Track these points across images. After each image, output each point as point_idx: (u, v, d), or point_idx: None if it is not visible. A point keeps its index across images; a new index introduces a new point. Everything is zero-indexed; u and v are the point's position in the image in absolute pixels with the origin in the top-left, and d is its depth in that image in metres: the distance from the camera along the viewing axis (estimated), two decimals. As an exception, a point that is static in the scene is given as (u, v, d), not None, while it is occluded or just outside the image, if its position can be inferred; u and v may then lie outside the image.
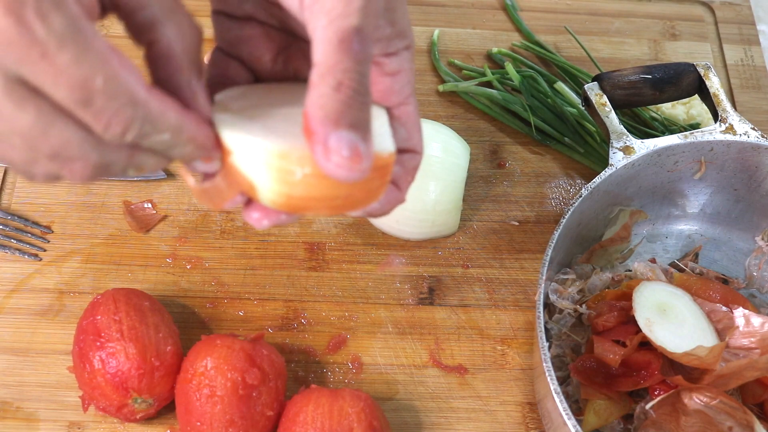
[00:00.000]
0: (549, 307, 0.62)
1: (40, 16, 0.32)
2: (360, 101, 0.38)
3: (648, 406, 0.56)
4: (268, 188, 0.39)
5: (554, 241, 0.59)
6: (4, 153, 0.37)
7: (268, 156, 0.38)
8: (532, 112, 0.77)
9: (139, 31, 0.39)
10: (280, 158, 0.38)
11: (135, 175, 0.39)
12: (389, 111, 0.45)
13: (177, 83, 0.39)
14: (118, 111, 0.35)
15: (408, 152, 0.46)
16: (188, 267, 0.69)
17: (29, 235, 0.69)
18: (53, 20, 0.32)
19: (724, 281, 0.67)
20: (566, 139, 0.77)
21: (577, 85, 0.80)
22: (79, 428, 0.61)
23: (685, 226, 0.72)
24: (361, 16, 0.38)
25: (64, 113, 0.35)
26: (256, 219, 0.42)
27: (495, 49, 0.83)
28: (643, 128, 0.78)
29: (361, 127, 0.37)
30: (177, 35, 0.39)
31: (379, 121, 0.43)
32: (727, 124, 0.66)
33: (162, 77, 0.39)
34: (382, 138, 0.42)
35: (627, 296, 0.59)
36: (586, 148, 0.76)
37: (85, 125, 0.36)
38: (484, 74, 0.81)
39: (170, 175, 0.73)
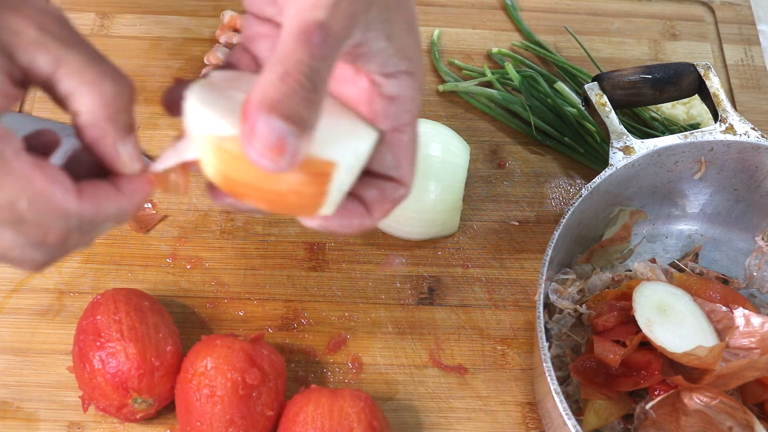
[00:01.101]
0: (549, 307, 0.62)
1: None
2: (303, 96, 0.36)
3: (648, 406, 0.56)
4: (210, 163, 0.40)
5: (554, 241, 0.59)
6: None
7: (212, 131, 0.39)
8: (532, 112, 0.77)
9: (61, 104, 0.40)
10: (221, 136, 0.38)
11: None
12: (382, 134, 0.44)
13: (102, 150, 0.40)
14: (50, 226, 0.37)
15: (392, 181, 0.45)
16: (188, 267, 0.69)
17: (29, 235, 0.69)
18: None
19: (724, 281, 0.67)
20: (566, 139, 0.77)
21: (577, 85, 0.80)
22: (78, 428, 0.61)
23: (685, 226, 0.72)
24: (329, 12, 0.37)
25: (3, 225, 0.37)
26: (209, 193, 0.43)
27: (495, 49, 0.83)
28: (643, 128, 0.78)
29: (296, 121, 0.36)
30: (96, 103, 0.39)
31: (341, 129, 0.42)
32: (727, 124, 0.66)
33: (88, 143, 0.40)
34: (332, 145, 0.40)
35: (627, 296, 0.59)
36: (586, 148, 0.76)
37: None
38: (484, 74, 0.81)
39: (170, 175, 0.73)
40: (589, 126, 0.77)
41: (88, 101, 0.38)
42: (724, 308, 0.58)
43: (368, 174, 0.44)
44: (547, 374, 0.54)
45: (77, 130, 0.40)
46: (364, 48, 0.41)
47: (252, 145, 0.36)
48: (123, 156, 0.40)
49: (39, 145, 0.41)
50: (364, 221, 0.44)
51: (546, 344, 0.55)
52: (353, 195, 0.44)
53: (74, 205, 0.38)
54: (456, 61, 0.83)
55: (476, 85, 0.80)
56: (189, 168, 0.42)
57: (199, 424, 0.56)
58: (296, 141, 0.36)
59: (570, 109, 0.77)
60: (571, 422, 0.52)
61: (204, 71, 0.42)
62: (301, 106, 0.36)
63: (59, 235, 0.38)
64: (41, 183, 0.37)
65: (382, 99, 0.43)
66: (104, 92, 0.38)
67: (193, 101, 0.40)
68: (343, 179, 0.41)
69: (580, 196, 0.62)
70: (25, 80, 0.38)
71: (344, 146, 0.41)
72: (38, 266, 0.40)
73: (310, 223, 0.43)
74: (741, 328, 0.57)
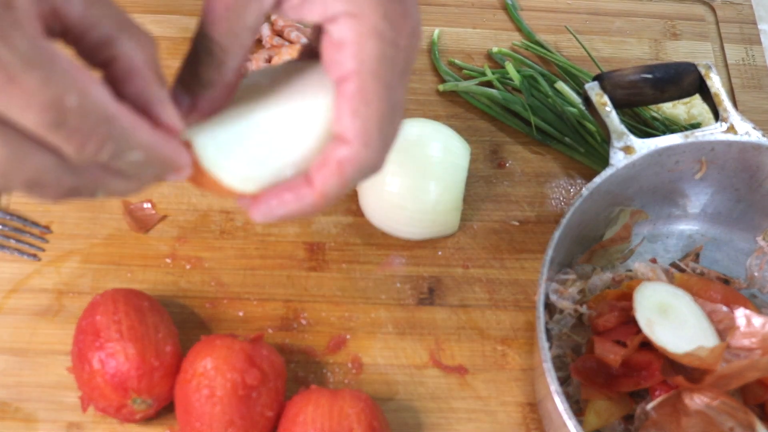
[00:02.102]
0: (549, 308, 0.62)
1: (1, 39, 0.31)
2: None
3: (649, 407, 0.55)
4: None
5: (554, 241, 0.59)
6: None
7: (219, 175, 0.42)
8: (533, 112, 0.77)
9: (94, 52, 0.37)
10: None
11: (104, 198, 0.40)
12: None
13: (146, 98, 0.38)
14: (92, 129, 0.34)
15: (333, 141, 0.41)
16: (188, 267, 0.69)
17: (28, 235, 0.69)
18: (15, 42, 0.31)
19: (725, 281, 0.67)
20: (567, 138, 0.77)
21: (578, 85, 0.80)
22: (78, 429, 0.61)
23: (685, 226, 0.72)
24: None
25: (35, 141, 0.34)
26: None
27: (495, 49, 0.83)
28: (644, 128, 0.77)
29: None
30: (136, 48, 0.37)
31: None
32: (728, 124, 0.66)
33: (128, 94, 0.37)
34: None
35: (627, 296, 0.59)
36: (587, 148, 0.76)
37: (57, 150, 0.34)
38: (484, 74, 0.80)
39: (170, 174, 0.73)
40: (590, 126, 0.77)
41: (131, 45, 0.37)
42: (725, 308, 0.58)
43: None
44: (547, 374, 0.54)
45: (114, 81, 0.37)
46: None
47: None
48: (165, 102, 0.38)
49: None
50: (303, 194, 0.41)
51: (546, 344, 0.55)
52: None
53: (116, 110, 0.35)
54: (456, 61, 0.82)
55: (476, 84, 0.80)
56: None
57: (198, 424, 0.56)
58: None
59: (570, 108, 0.77)
60: (571, 422, 0.52)
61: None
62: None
63: (97, 143, 0.35)
64: (86, 81, 0.34)
65: (330, 47, 0.40)
66: (144, 37, 0.37)
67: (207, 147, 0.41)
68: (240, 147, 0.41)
69: (581, 196, 0.61)
70: (56, 25, 0.36)
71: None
72: (60, 193, 0.37)
73: (252, 213, 0.43)
74: (742, 329, 0.57)
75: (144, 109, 0.38)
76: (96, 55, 0.37)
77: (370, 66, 0.40)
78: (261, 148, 0.42)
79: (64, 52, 0.34)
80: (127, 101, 0.37)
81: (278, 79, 0.45)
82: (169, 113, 0.38)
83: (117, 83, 0.37)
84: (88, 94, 0.34)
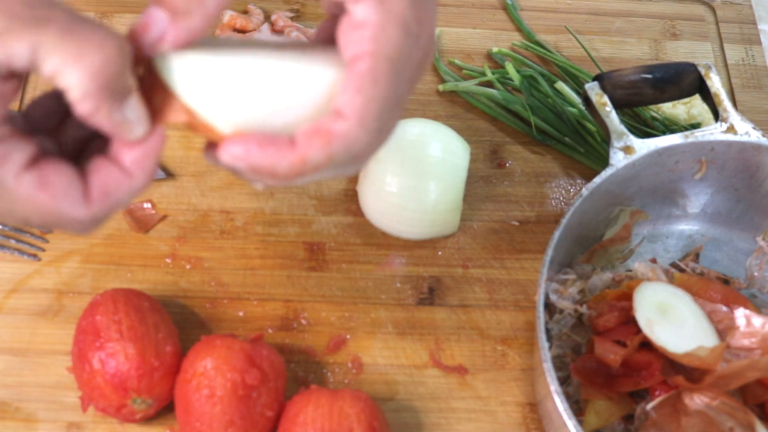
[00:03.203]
0: (549, 308, 0.62)
1: None
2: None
3: (649, 407, 0.55)
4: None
5: (554, 241, 0.59)
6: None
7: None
8: (533, 112, 0.77)
9: (54, 83, 0.38)
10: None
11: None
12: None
13: (98, 122, 0.38)
14: (66, 228, 0.39)
15: (331, 114, 0.40)
16: (188, 267, 0.69)
17: (28, 235, 0.69)
18: None
19: (725, 281, 0.67)
20: (567, 138, 0.77)
21: (578, 85, 0.80)
22: (78, 429, 0.61)
23: (685, 226, 0.72)
24: None
25: None
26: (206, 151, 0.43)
27: (495, 49, 0.83)
28: (644, 128, 0.78)
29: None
30: (81, 77, 0.36)
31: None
32: (728, 124, 0.66)
33: (83, 118, 0.38)
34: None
35: (627, 296, 0.59)
36: (587, 148, 0.76)
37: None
38: (484, 74, 0.81)
39: (170, 175, 0.73)
40: (590, 126, 0.77)
41: (73, 77, 0.36)
42: (724, 308, 0.58)
43: None
44: (547, 374, 0.54)
45: (71, 107, 0.38)
46: None
47: (224, 155, 0.39)
48: (120, 125, 0.38)
49: None
50: (284, 153, 0.39)
51: (546, 344, 0.55)
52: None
53: (84, 212, 0.38)
54: (456, 61, 0.82)
55: (476, 84, 0.80)
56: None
57: (198, 424, 0.56)
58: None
59: (570, 108, 0.77)
60: (571, 422, 0.52)
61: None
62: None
63: (78, 230, 0.39)
64: (47, 202, 0.37)
65: (349, 28, 0.40)
66: (89, 64, 0.36)
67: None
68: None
69: (581, 196, 0.61)
70: (10, 73, 0.36)
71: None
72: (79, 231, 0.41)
73: (224, 155, 0.40)
74: (742, 329, 0.57)
75: (103, 131, 0.39)
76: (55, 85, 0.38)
77: (388, 51, 0.40)
78: (254, 95, 0.40)
79: (25, 175, 0.38)
80: (88, 124, 0.38)
81: (288, 45, 0.44)
82: (124, 132, 0.39)
83: (74, 109, 0.38)
84: (51, 213, 0.38)
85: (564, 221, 0.60)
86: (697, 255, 0.69)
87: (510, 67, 0.79)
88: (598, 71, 0.79)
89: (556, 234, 0.60)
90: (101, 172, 0.39)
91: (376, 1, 0.39)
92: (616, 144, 0.65)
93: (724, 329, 0.57)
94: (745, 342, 0.56)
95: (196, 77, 0.39)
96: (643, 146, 0.64)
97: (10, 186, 0.37)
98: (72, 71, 0.36)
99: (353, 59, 0.40)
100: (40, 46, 0.35)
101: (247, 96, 0.40)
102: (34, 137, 0.39)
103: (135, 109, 0.38)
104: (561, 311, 0.62)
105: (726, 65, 0.84)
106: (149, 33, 0.38)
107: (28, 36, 0.35)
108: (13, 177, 0.37)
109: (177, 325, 0.62)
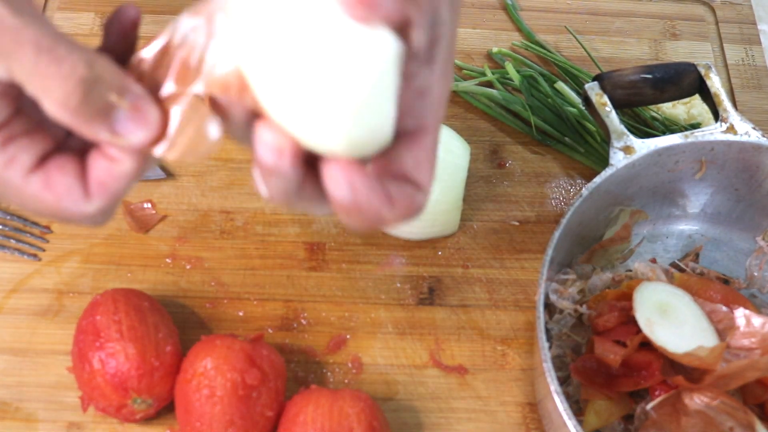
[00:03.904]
0: (549, 308, 0.62)
1: None
2: None
3: (648, 407, 0.55)
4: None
5: (554, 241, 0.59)
6: None
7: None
8: (533, 112, 0.77)
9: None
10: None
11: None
12: (404, 133, 0.39)
13: (86, 136, 0.38)
14: (76, 222, 0.40)
15: (410, 183, 0.40)
16: (188, 267, 0.69)
17: (28, 234, 0.69)
18: None
19: (725, 281, 0.67)
20: (567, 138, 0.77)
21: (578, 85, 0.80)
22: (78, 429, 0.61)
23: (685, 226, 0.72)
24: None
25: None
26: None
27: (495, 49, 0.83)
28: (644, 128, 0.78)
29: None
30: (58, 102, 0.36)
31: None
32: (727, 124, 0.66)
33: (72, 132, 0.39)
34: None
35: (627, 296, 0.59)
36: (587, 148, 0.76)
37: None
38: (484, 74, 0.81)
39: (170, 175, 0.73)
40: (590, 126, 0.77)
41: (49, 104, 0.36)
42: (724, 308, 0.58)
43: (388, 175, 0.40)
44: (547, 374, 0.54)
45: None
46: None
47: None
48: (109, 139, 0.38)
49: (122, 24, 0.40)
50: (385, 210, 0.38)
51: (546, 344, 0.55)
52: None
53: (87, 208, 0.39)
54: (456, 61, 0.82)
55: (476, 84, 0.80)
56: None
57: (198, 424, 0.56)
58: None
59: (570, 108, 0.77)
60: (571, 422, 0.52)
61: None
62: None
63: (89, 224, 0.40)
64: (53, 202, 0.39)
65: (410, 92, 0.38)
66: (55, 98, 0.36)
67: None
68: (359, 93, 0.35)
69: (581, 196, 0.62)
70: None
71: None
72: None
73: (335, 174, 0.36)
74: (742, 329, 0.57)
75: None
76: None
77: (441, 120, 0.41)
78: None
79: (31, 176, 0.39)
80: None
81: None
82: (112, 143, 0.38)
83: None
84: (58, 211, 0.39)
85: (564, 221, 0.60)
86: (697, 255, 0.69)
87: (510, 67, 0.79)
88: (598, 71, 0.79)
89: (556, 234, 0.60)
90: (96, 165, 0.39)
91: (445, 66, 0.39)
92: (616, 144, 0.65)
93: (724, 329, 0.57)
94: (745, 342, 0.56)
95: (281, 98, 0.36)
96: (643, 146, 0.64)
97: (19, 186, 0.38)
98: (44, 102, 0.36)
99: (418, 130, 0.40)
100: (15, 72, 0.36)
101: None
102: (45, 131, 0.39)
103: (125, 121, 0.37)
104: (561, 311, 0.62)
105: (726, 65, 0.84)
106: None
107: (3, 64, 0.36)
108: (20, 178, 0.38)
109: (177, 325, 0.62)
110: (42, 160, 0.39)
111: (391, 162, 0.39)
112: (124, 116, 0.37)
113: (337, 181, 0.36)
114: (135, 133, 0.37)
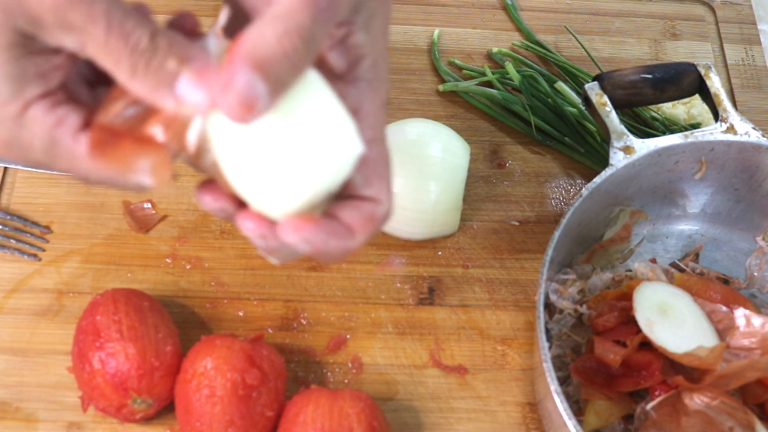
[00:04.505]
0: (549, 308, 0.62)
1: None
2: (294, 61, 0.36)
3: (648, 407, 0.55)
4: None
5: (554, 241, 0.59)
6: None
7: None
8: (533, 112, 0.77)
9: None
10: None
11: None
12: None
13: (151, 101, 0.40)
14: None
15: (367, 200, 0.42)
16: (188, 267, 0.69)
17: (28, 235, 0.69)
18: None
19: (725, 281, 0.67)
20: (567, 139, 0.77)
21: (578, 85, 0.80)
22: (78, 428, 0.61)
23: (685, 226, 0.72)
24: None
25: None
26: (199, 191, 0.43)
27: (495, 49, 0.83)
28: (644, 128, 0.78)
29: (277, 84, 0.36)
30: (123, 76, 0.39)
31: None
32: (727, 124, 0.66)
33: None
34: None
35: (627, 296, 0.59)
36: (587, 148, 0.76)
37: None
38: (484, 74, 0.81)
39: (170, 174, 0.73)
40: (590, 126, 0.77)
41: (120, 75, 0.38)
42: (724, 308, 0.58)
43: (339, 198, 0.42)
44: (547, 374, 0.54)
45: None
46: (343, 32, 0.40)
47: (225, 92, 0.36)
48: (173, 107, 0.38)
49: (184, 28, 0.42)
50: (347, 242, 0.41)
51: (546, 344, 0.55)
52: (332, 217, 0.42)
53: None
54: (456, 61, 0.82)
55: (476, 84, 0.80)
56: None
57: (198, 424, 0.56)
58: (268, 101, 0.36)
59: (570, 109, 0.77)
60: (571, 422, 0.52)
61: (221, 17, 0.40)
62: (288, 71, 0.36)
63: (138, 189, 0.41)
64: (101, 169, 0.39)
65: (363, 115, 0.42)
66: (131, 59, 0.37)
67: None
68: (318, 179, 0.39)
69: (581, 196, 0.62)
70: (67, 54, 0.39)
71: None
72: None
73: (290, 236, 0.40)
74: (742, 329, 0.57)
75: None
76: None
77: (382, 135, 0.43)
78: (287, 168, 0.39)
79: (82, 135, 0.39)
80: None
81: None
82: (174, 103, 0.39)
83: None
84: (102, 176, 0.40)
85: (564, 221, 0.60)
86: (697, 255, 0.69)
87: (510, 67, 0.79)
88: (598, 71, 0.79)
89: (556, 234, 0.60)
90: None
91: (370, 86, 0.42)
92: (616, 144, 0.65)
93: (723, 329, 0.57)
94: (745, 342, 0.56)
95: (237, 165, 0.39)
96: (643, 146, 0.64)
97: (68, 146, 0.39)
98: (116, 74, 0.38)
99: (369, 142, 0.42)
100: (86, 50, 0.37)
101: (286, 174, 0.39)
102: (83, 101, 0.41)
103: (187, 86, 0.38)
104: (561, 311, 0.62)
105: (726, 65, 0.84)
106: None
107: (76, 38, 0.37)
108: (70, 137, 0.39)
109: (177, 325, 0.62)
110: (85, 125, 0.40)
111: (342, 188, 0.42)
112: (186, 81, 0.38)
113: (292, 239, 0.39)
114: (195, 95, 0.38)
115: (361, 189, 0.42)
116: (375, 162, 0.42)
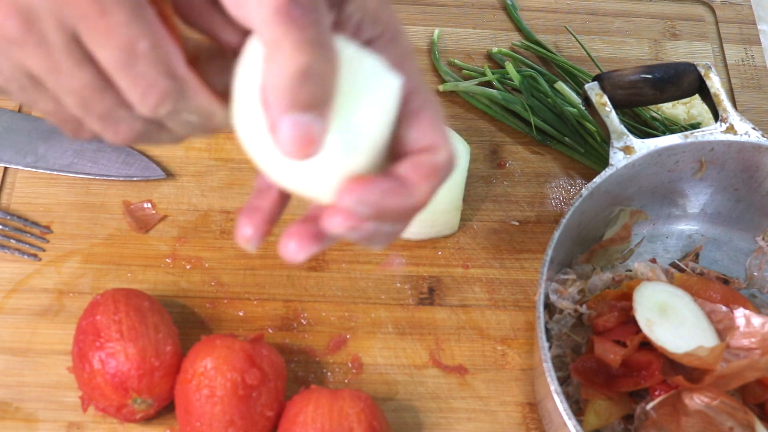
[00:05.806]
0: (549, 307, 0.62)
1: None
2: (316, 74, 0.34)
3: (648, 407, 0.55)
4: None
5: (554, 241, 0.59)
6: (58, 112, 0.39)
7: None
8: (533, 112, 0.77)
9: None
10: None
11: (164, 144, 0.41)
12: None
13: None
14: (155, 80, 0.36)
15: (421, 152, 0.40)
16: (188, 267, 0.69)
17: (28, 235, 0.69)
18: None
19: (725, 281, 0.67)
20: (566, 139, 0.77)
21: (578, 85, 0.80)
22: (78, 428, 0.61)
23: (685, 226, 0.72)
24: None
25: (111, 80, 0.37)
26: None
27: (495, 49, 0.83)
28: (644, 128, 0.78)
29: (316, 104, 0.35)
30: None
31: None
32: (727, 124, 0.66)
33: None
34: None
35: (627, 296, 0.59)
36: (587, 148, 0.76)
37: (124, 94, 0.37)
38: (484, 74, 0.81)
39: (170, 175, 0.73)
40: (590, 126, 0.77)
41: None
42: (724, 308, 0.58)
43: (395, 159, 0.40)
44: (547, 374, 0.54)
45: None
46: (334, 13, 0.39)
47: (281, 144, 0.35)
48: None
49: None
50: (407, 198, 0.39)
51: (546, 344, 0.55)
52: (388, 175, 0.39)
53: (183, 70, 0.37)
54: (456, 61, 0.82)
55: (476, 84, 0.80)
56: None
57: (198, 424, 0.56)
58: (321, 123, 0.35)
59: (570, 109, 0.77)
60: (571, 422, 0.52)
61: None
62: (318, 86, 0.35)
63: (158, 96, 0.37)
64: (163, 35, 0.36)
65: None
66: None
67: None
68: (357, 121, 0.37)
69: (581, 196, 0.62)
70: None
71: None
72: (131, 134, 0.39)
73: (345, 199, 0.37)
74: (741, 329, 0.57)
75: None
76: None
77: (420, 84, 0.41)
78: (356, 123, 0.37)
79: (151, 7, 0.36)
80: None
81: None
82: None
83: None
84: (160, 46, 0.36)
85: (564, 221, 0.60)
86: (697, 255, 0.69)
87: (510, 67, 0.79)
88: (598, 71, 0.79)
89: (556, 234, 0.60)
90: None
91: (390, 43, 0.40)
92: (616, 144, 0.65)
93: (723, 329, 0.57)
94: (745, 342, 0.56)
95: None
96: (643, 146, 0.64)
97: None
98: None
99: (410, 93, 0.40)
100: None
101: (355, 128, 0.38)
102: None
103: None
104: (561, 311, 0.62)
105: (726, 65, 0.84)
106: None
107: None
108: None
109: (177, 325, 0.62)
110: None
111: (396, 145, 0.40)
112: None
113: (348, 202, 0.37)
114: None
115: (414, 143, 0.40)
116: (419, 111, 0.40)
